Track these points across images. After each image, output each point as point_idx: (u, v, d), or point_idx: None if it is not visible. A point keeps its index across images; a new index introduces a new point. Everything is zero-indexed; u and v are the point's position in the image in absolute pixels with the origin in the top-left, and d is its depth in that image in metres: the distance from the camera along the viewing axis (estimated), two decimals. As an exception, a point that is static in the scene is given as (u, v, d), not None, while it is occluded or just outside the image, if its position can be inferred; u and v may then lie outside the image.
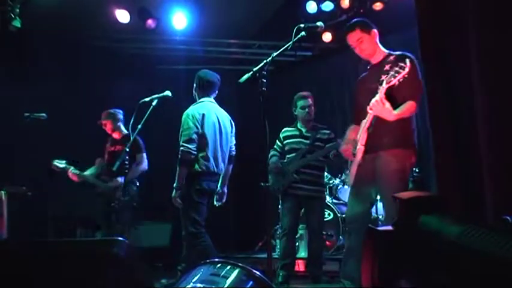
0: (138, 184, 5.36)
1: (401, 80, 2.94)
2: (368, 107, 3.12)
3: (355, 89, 3.60)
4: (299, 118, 4.89)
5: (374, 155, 3.25)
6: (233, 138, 4.60)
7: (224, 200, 4.52)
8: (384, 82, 2.98)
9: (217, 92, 4.50)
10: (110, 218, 5.01)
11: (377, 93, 3.02)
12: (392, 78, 2.95)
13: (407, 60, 2.96)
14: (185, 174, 4.17)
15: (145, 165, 5.44)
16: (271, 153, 4.96)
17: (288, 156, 4.86)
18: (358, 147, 3.25)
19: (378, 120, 3.15)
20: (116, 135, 5.52)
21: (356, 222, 3.29)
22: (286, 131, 4.96)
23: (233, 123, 4.60)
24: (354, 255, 3.23)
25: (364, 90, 3.37)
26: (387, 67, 3.12)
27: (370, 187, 3.34)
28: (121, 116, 5.55)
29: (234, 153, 4.60)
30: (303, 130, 4.86)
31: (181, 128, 4.24)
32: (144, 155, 5.44)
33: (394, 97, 3.07)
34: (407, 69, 2.91)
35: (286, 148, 4.89)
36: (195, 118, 4.23)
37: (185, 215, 4.18)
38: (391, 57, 3.28)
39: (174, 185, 4.18)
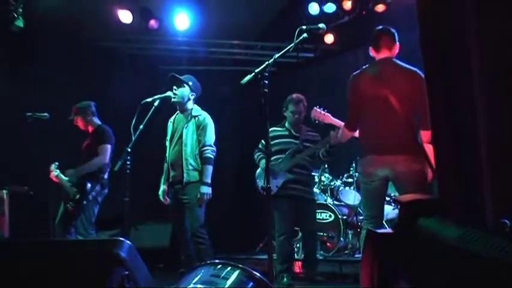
0: (100, 181, 4.81)
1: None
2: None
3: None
4: (288, 120, 4.84)
5: None
6: None
7: None
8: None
9: None
10: (66, 221, 4.72)
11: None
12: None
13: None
14: None
15: (102, 158, 4.80)
16: (259, 154, 4.87)
17: (276, 156, 4.73)
18: None
19: None
20: (90, 129, 5.06)
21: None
22: (275, 130, 4.80)
23: None
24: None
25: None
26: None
27: None
28: (93, 109, 5.07)
29: None
30: (292, 130, 4.81)
31: (205, 128, 4.41)
32: (108, 146, 4.85)
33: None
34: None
35: (275, 148, 4.74)
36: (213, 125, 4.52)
37: (195, 215, 4.30)
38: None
39: (207, 181, 4.30)
